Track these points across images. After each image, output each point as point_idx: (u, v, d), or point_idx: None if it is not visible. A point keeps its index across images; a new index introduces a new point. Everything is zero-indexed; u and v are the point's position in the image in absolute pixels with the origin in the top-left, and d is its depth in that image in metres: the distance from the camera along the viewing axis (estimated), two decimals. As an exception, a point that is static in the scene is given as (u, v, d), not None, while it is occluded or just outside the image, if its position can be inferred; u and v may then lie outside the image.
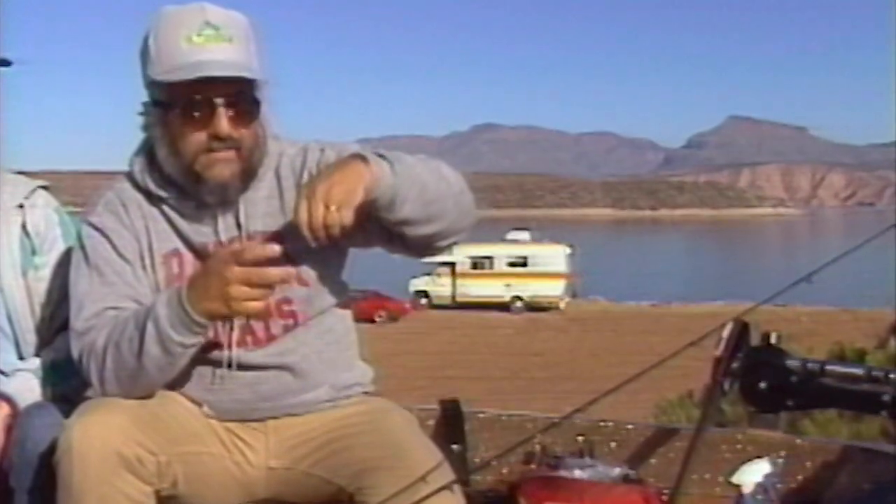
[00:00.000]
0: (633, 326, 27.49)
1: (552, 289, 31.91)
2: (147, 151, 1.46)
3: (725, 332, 1.35)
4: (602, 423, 1.90)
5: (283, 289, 1.39)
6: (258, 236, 1.45)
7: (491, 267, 32.68)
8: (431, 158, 1.41)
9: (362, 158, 1.32)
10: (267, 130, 1.45)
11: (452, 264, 32.25)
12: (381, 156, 1.34)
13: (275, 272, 1.29)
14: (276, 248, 1.29)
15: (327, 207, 1.27)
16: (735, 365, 1.34)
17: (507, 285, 32.13)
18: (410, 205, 1.35)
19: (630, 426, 1.89)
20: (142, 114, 1.44)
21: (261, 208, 1.45)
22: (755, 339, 1.36)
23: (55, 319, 1.58)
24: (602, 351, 23.00)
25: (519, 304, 31.91)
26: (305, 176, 1.45)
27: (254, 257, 1.28)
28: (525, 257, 32.77)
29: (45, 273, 1.61)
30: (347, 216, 1.27)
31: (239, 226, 1.44)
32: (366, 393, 1.53)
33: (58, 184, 1.88)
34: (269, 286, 1.29)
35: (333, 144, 1.48)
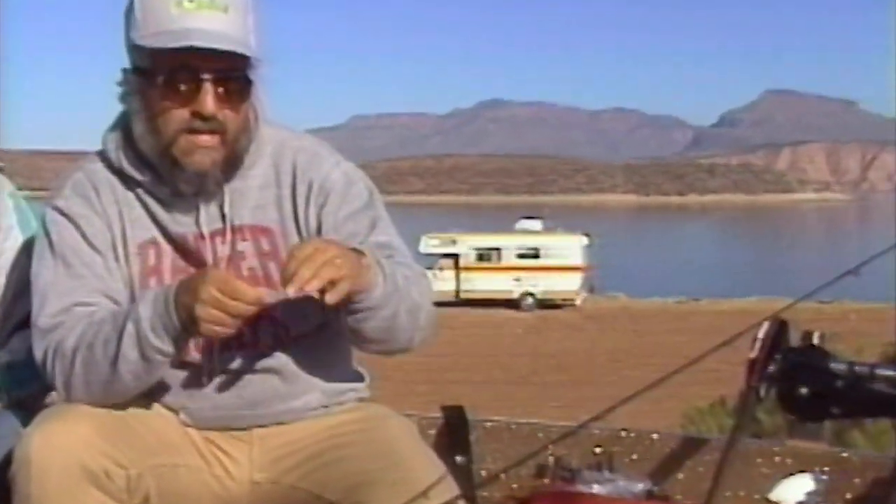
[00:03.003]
0: (657, 325, 27.51)
1: (567, 283, 31.89)
2: (123, 127, 1.45)
3: (761, 332, 1.34)
4: (623, 433, 1.90)
5: (268, 295, 1.38)
6: (246, 230, 1.45)
7: (498, 259, 32.67)
8: (422, 277, 1.46)
9: (363, 256, 1.34)
10: (259, 115, 1.46)
11: (456, 256, 32.28)
12: (381, 267, 1.36)
13: (248, 308, 1.28)
14: (265, 299, 1.30)
15: (314, 278, 1.27)
16: (772, 368, 1.33)
17: (517, 280, 32.12)
18: (373, 324, 1.38)
19: (654, 436, 1.90)
20: (121, 83, 1.43)
21: (250, 199, 1.46)
22: (795, 339, 1.35)
23: (11, 318, 1.58)
24: (622, 352, 23.03)
25: (530, 300, 31.92)
26: (306, 185, 1.46)
27: (238, 294, 1.28)
28: (536, 249, 32.75)
29: None
30: (329, 299, 1.28)
31: (223, 217, 1.45)
32: (361, 399, 1.54)
33: (10, 165, 1.88)
34: (240, 317, 1.30)
35: (344, 164, 1.49)
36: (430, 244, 32.03)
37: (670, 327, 26.34)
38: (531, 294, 31.96)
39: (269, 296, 1.37)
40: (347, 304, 1.34)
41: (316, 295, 1.27)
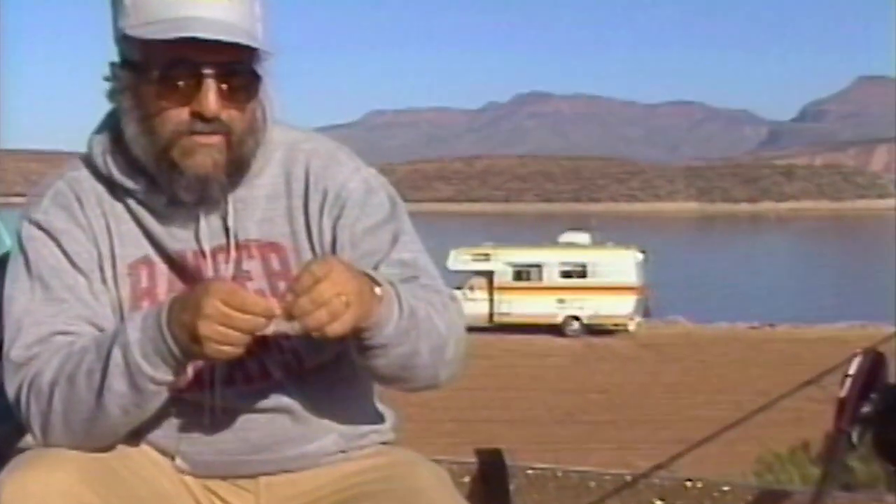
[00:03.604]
0: (725, 355, 27.24)
1: (619, 306, 31.73)
2: (112, 128, 1.46)
3: (853, 366, 1.33)
4: (688, 483, 1.89)
5: (278, 320, 1.39)
6: (252, 246, 1.46)
7: (539, 278, 32.62)
8: (450, 303, 1.45)
9: (377, 285, 1.34)
10: (267, 114, 1.47)
11: (489, 274, 32.28)
12: (399, 298, 1.36)
13: (259, 322, 1.27)
14: (277, 311, 1.28)
15: (318, 307, 1.26)
16: (867, 409, 1.32)
17: (561, 301, 32.03)
18: (386, 362, 1.38)
19: (725, 487, 1.88)
20: (108, 78, 1.44)
21: (257, 211, 1.47)
22: (893, 375, 1.34)
23: None
24: (684, 387, 22.83)
25: (575, 325, 31.81)
26: (320, 194, 1.47)
27: (247, 306, 1.27)
28: (583, 265, 32.65)
29: None
30: (333, 330, 1.28)
31: (227, 231, 1.45)
32: (384, 443, 1.54)
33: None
34: (250, 333, 1.29)
35: (364, 170, 1.50)
36: (460, 260, 32.06)
37: (741, 358, 26.08)
38: (577, 318, 31.84)
39: (280, 320, 1.38)
40: (357, 339, 1.34)
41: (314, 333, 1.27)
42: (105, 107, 1.48)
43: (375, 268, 1.45)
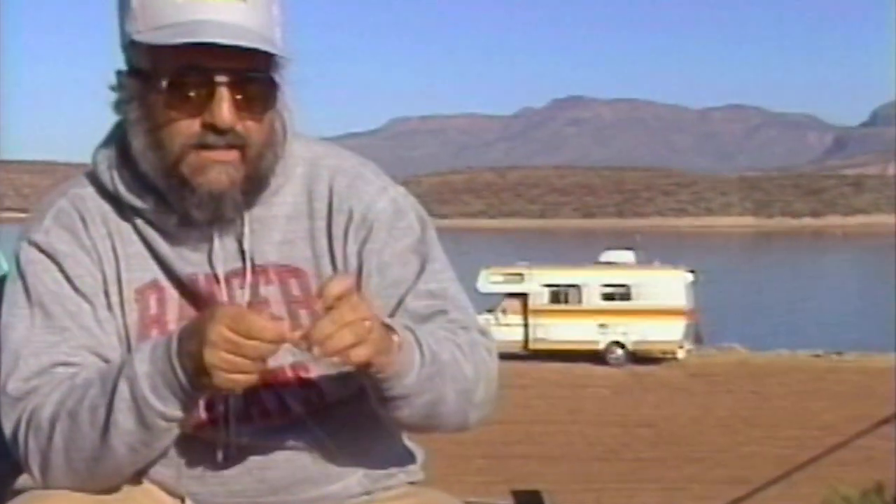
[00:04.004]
0: (786, 386, 26.94)
1: (667, 331, 31.48)
2: (119, 142, 1.47)
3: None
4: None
5: (297, 350, 1.39)
6: (270, 271, 1.47)
7: (579, 300, 32.45)
8: (480, 340, 1.45)
9: (393, 333, 1.35)
10: (287, 126, 1.48)
11: (524, 296, 32.17)
12: (419, 344, 1.37)
13: (269, 348, 1.27)
14: (288, 335, 1.28)
15: (340, 328, 1.27)
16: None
17: (602, 326, 31.84)
18: (410, 412, 1.39)
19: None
20: (114, 87, 1.46)
21: (276, 233, 1.47)
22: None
23: None
24: (739, 421, 22.59)
25: (619, 352, 31.60)
26: (345, 215, 1.48)
27: (254, 331, 1.27)
28: (627, 287, 32.45)
29: None
30: (357, 354, 1.28)
31: (243, 254, 1.46)
32: (412, 483, 1.54)
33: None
34: (261, 359, 1.29)
35: (392, 189, 1.51)
36: (491, 280, 32.00)
37: (803, 389, 25.77)
38: (621, 345, 31.63)
39: (298, 351, 1.38)
40: (376, 390, 1.35)
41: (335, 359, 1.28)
42: (109, 117, 1.49)
43: (402, 299, 1.46)
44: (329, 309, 1.27)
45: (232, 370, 1.27)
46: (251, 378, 1.29)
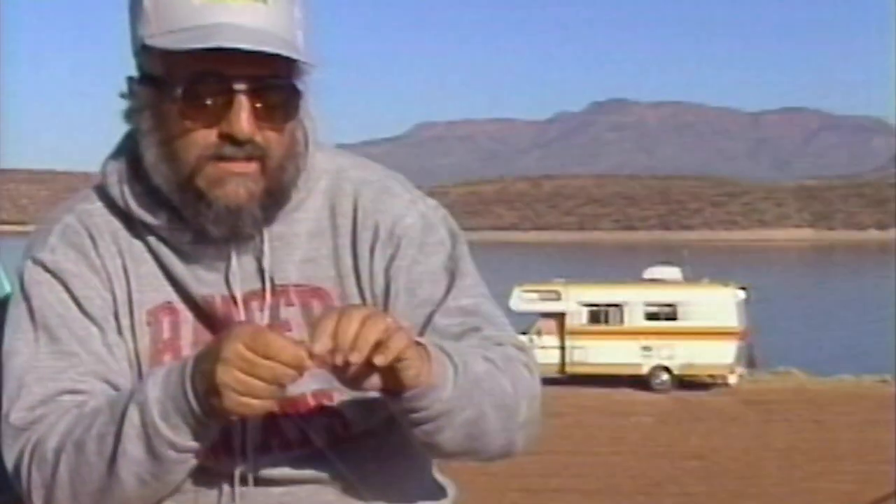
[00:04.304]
0: (850, 415, 26.66)
1: (717, 354, 31.27)
2: (130, 153, 1.49)
3: None
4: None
5: (320, 376, 1.40)
6: (291, 292, 1.47)
7: (620, 320, 32.33)
8: (518, 355, 1.45)
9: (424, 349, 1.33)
10: (309, 136, 1.49)
11: (561, 316, 32.10)
12: (448, 355, 1.36)
13: (287, 372, 1.26)
14: (308, 362, 1.27)
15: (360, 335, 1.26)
16: None
17: (646, 348, 31.69)
18: (450, 434, 1.37)
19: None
20: (125, 95, 1.47)
21: (297, 251, 1.48)
22: None
23: None
24: (798, 453, 22.37)
25: (664, 377, 31.42)
26: (371, 231, 1.48)
27: (272, 351, 1.26)
28: (673, 305, 32.29)
29: None
30: (380, 359, 1.26)
31: (262, 273, 1.47)
32: (443, 520, 1.54)
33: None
34: (279, 382, 1.28)
35: (421, 203, 1.52)
36: (525, 299, 31.96)
37: (869, 419, 25.47)
38: (666, 369, 31.45)
39: (321, 377, 1.39)
40: (411, 413, 1.34)
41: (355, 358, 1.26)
42: (117, 126, 1.52)
43: (431, 317, 1.46)
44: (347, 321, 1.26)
45: (245, 392, 1.27)
46: (265, 404, 1.29)
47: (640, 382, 31.03)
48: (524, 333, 31.46)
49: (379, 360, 1.26)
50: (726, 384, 31.10)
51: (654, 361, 31.52)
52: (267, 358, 1.26)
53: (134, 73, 1.47)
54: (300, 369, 1.27)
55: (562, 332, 32.03)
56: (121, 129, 1.51)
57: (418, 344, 1.33)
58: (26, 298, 1.47)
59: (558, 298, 32.34)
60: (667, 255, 39.26)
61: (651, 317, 32.10)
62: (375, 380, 1.30)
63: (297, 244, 1.48)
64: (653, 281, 34.70)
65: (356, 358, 1.26)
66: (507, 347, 1.46)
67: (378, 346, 1.26)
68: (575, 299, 32.08)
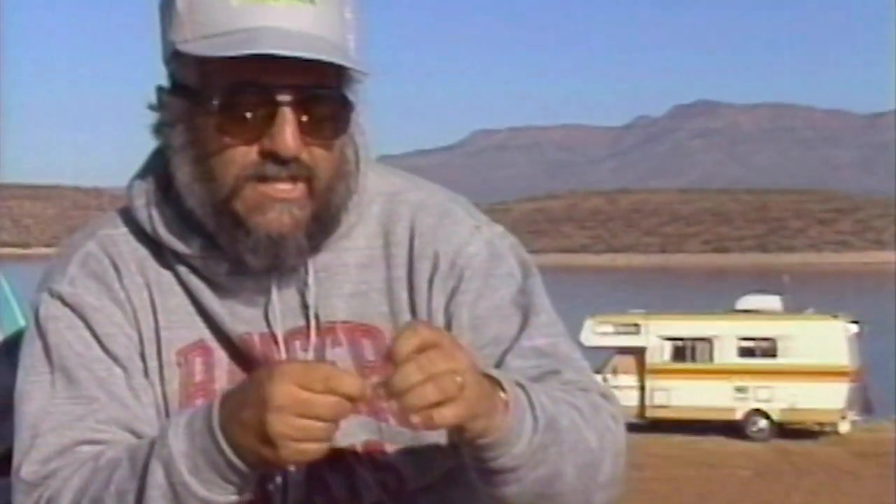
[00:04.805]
0: None
1: (824, 397, 30.83)
2: (159, 173, 1.51)
3: None
4: None
5: (370, 425, 1.41)
6: (339, 330, 1.49)
7: (710, 357, 32.06)
8: (604, 404, 1.45)
9: (501, 389, 1.33)
10: (361, 154, 1.51)
11: (640, 352, 31.91)
12: (530, 401, 1.35)
13: (344, 408, 1.26)
14: (368, 390, 1.27)
15: (426, 379, 1.24)
16: None
17: (741, 390, 31.37)
18: (519, 489, 1.37)
19: None
20: (154, 107, 1.49)
21: (346, 284, 1.50)
22: None
23: None
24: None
25: (762, 423, 31.08)
26: (429, 261, 1.49)
27: (332, 382, 1.26)
28: (772, 340, 31.96)
29: None
30: (441, 417, 1.25)
31: (306, 309, 1.49)
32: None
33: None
34: (337, 420, 1.28)
35: (486, 229, 1.52)
36: (599, 332, 31.82)
37: None
38: (764, 413, 31.12)
39: (372, 425, 1.40)
40: (478, 461, 1.34)
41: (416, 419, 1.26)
42: (142, 141, 1.54)
43: (501, 359, 1.46)
44: (414, 354, 1.25)
45: (304, 438, 1.27)
46: (323, 447, 1.29)
47: (733, 429, 30.69)
48: (597, 372, 31.29)
49: (439, 421, 1.26)
50: (836, 432, 30.67)
51: (750, 405, 31.18)
52: (326, 393, 1.26)
53: (164, 81, 1.49)
54: (362, 402, 1.28)
55: (641, 370, 31.82)
56: (141, 140, 1.54)
57: (491, 379, 1.33)
58: (42, 335, 1.50)
59: (637, 332, 32.14)
60: (764, 282, 38.85)
61: (746, 353, 31.79)
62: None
63: (346, 276, 1.50)
64: (748, 312, 34.32)
65: (415, 420, 1.26)
66: (592, 394, 1.46)
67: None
68: (656, 333, 31.85)
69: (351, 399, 1.26)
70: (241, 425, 1.30)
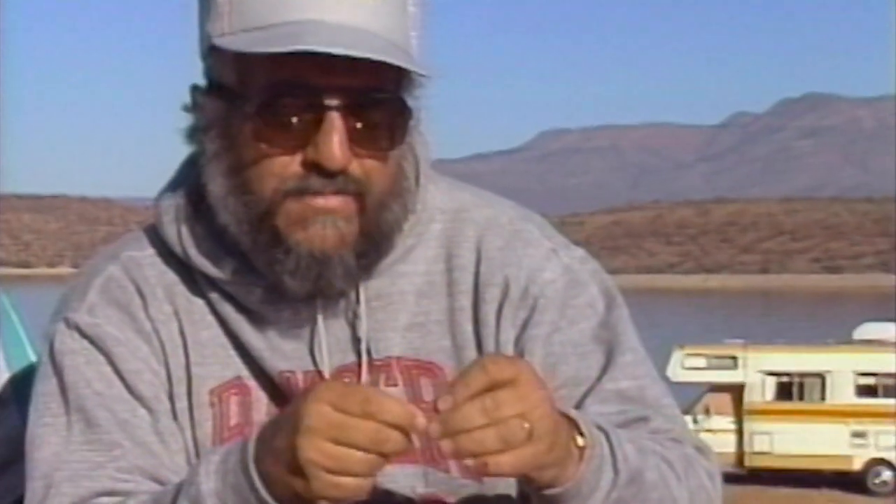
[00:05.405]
0: None
1: (959, 444, 30.56)
2: (191, 185, 1.53)
3: None
4: None
5: (429, 476, 1.45)
6: (394, 366, 1.50)
7: (822, 396, 31.77)
8: (697, 458, 1.47)
9: (579, 434, 1.35)
10: (421, 167, 1.53)
11: (738, 389, 31.68)
12: (612, 452, 1.36)
13: (393, 436, 1.26)
14: (419, 417, 1.27)
15: (487, 423, 1.26)
16: None
17: (859, 435, 31.08)
18: None
19: None
20: (188, 108, 1.51)
21: (403, 313, 1.52)
22: None
23: None
24: None
25: (885, 474, 30.76)
26: (499, 288, 1.50)
27: (373, 407, 1.27)
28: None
29: None
30: (498, 465, 1.26)
31: (356, 343, 1.51)
32: None
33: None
34: (381, 451, 1.29)
35: (564, 252, 1.54)
36: (688, 366, 31.60)
37: None
38: (888, 464, 30.81)
39: (432, 476, 1.43)
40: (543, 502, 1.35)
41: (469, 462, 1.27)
42: (151, 143, 1.62)
43: (579, 403, 1.48)
44: (478, 394, 1.26)
45: (339, 470, 1.27)
46: (362, 484, 1.29)
47: (850, 482, 30.41)
48: (687, 413, 31.11)
49: (494, 470, 1.27)
50: (974, 487, 30.30)
51: (871, 453, 30.86)
52: (365, 416, 1.26)
53: (199, 80, 1.51)
54: (409, 431, 1.27)
55: (739, 410, 31.59)
56: (164, 143, 1.57)
57: (569, 420, 1.34)
58: (57, 372, 1.52)
59: (734, 366, 31.89)
60: (886, 307, 38.41)
61: (865, 392, 31.48)
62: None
63: (403, 305, 1.52)
64: (867, 342, 34.00)
65: (468, 464, 1.28)
66: (685, 446, 1.47)
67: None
68: (757, 367, 31.59)
69: (396, 428, 1.27)
70: (272, 453, 1.31)
